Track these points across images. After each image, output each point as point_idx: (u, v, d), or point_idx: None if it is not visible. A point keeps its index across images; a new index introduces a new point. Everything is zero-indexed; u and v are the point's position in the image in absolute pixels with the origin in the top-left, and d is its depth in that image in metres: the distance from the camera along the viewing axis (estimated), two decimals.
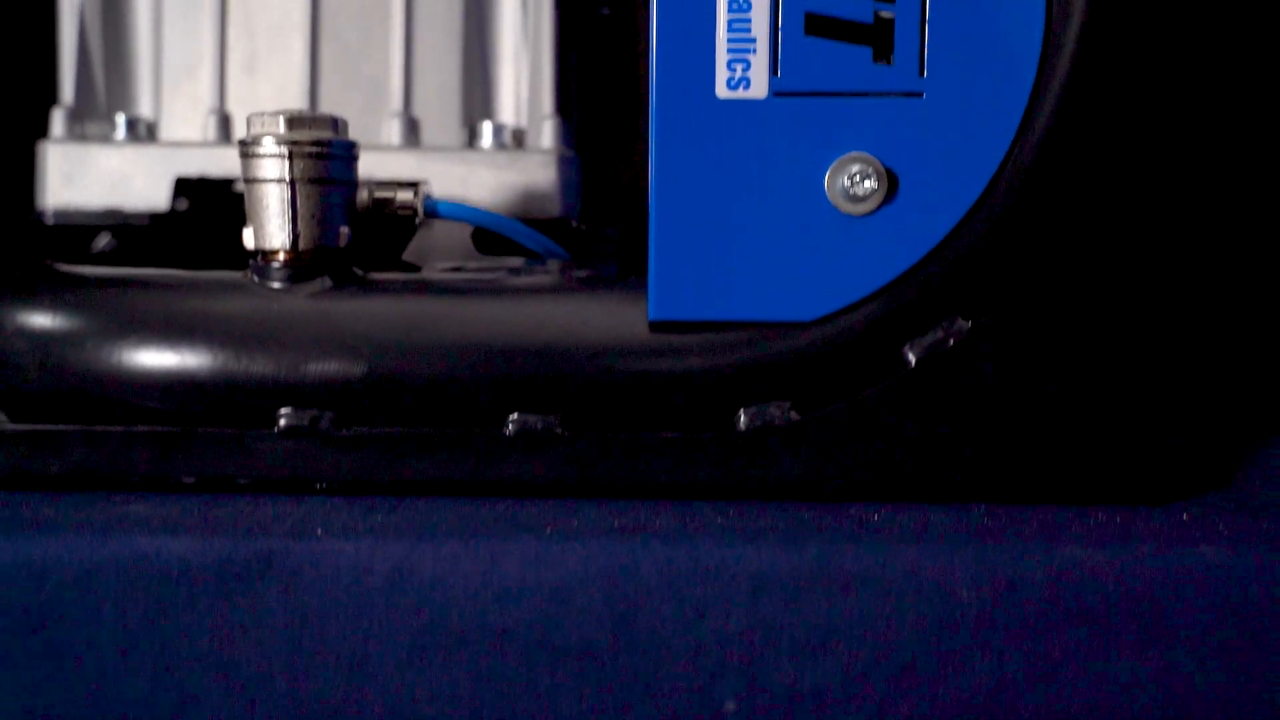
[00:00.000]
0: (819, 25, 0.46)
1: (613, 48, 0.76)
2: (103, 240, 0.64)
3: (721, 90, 0.47)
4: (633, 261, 0.58)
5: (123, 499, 0.49)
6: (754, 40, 0.47)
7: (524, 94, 0.65)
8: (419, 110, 0.64)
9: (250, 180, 0.49)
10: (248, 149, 0.49)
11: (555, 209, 0.63)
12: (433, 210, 0.53)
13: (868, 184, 0.46)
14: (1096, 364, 0.48)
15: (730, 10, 0.46)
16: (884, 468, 0.48)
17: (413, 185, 0.52)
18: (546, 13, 0.64)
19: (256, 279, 0.50)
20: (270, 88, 0.63)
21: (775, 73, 0.47)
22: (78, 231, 0.63)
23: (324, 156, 0.49)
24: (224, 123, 0.64)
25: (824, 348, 0.48)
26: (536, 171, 0.63)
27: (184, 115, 0.64)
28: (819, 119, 0.47)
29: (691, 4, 0.46)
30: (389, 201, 0.52)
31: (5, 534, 0.44)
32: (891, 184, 0.47)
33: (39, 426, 0.49)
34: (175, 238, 0.62)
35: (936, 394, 0.48)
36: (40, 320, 0.53)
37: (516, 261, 0.56)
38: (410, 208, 0.53)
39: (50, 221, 0.63)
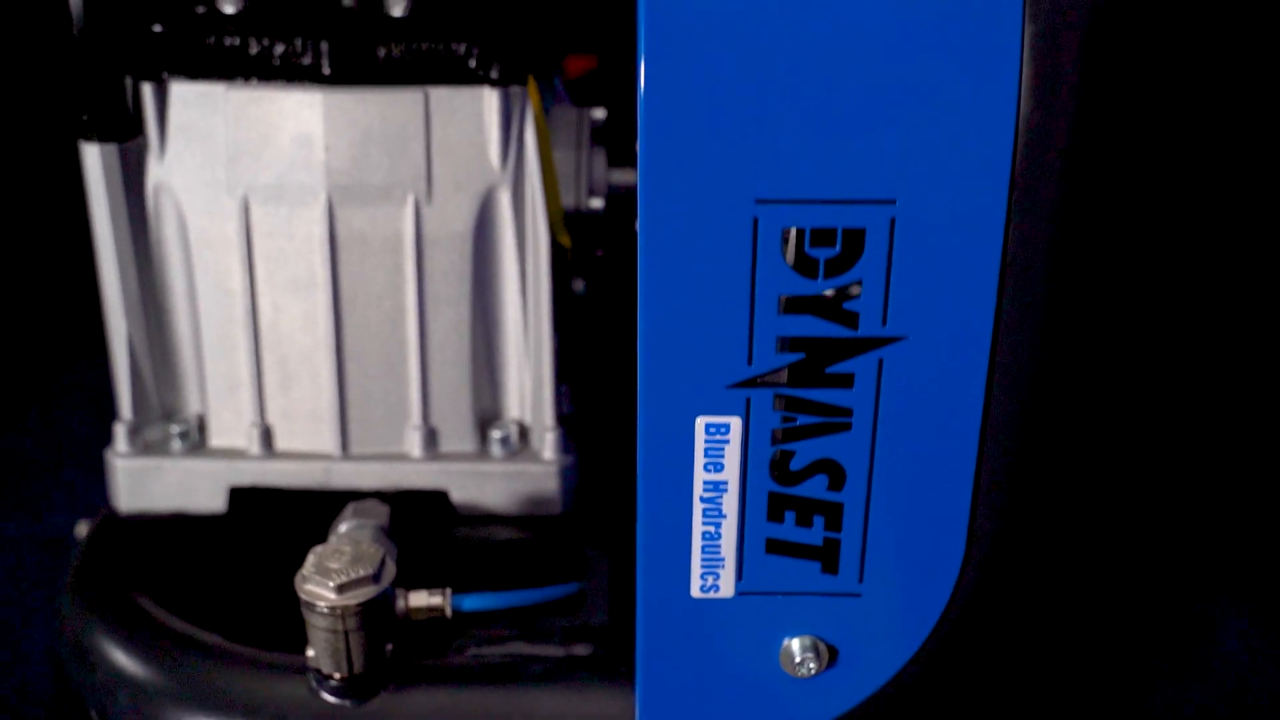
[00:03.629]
0: (777, 547, 0.55)
1: (607, 282, 0.82)
2: (82, 529, 0.74)
3: (695, 593, 0.56)
4: (623, 565, 0.68)
5: None
6: (723, 559, 0.56)
7: (528, 395, 0.73)
8: (435, 419, 0.72)
9: (309, 623, 0.59)
10: (305, 603, 0.59)
11: (556, 509, 0.73)
12: (458, 608, 0.63)
13: (812, 664, 0.57)
14: None
15: (704, 539, 0.55)
16: None
17: (440, 591, 0.63)
18: (545, 332, 0.71)
19: (319, 687, 0.61)
20: (305, 404, 0.72)
21: (739, 578, 0.56)
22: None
23: (370, 610, 0.59)
24: (266, 434, 0.72)
25: None
26: (540, 481, 0.72)
27: (231, 422, 0.73)
28: (774, 612, 0.57)
29: (671, 536, 0.55)
30: (423, 608, 0.62)
31: None
32: (833, 655, 0.58)
33: None
34: (235, 538, 0.73)
35: None
36: (133, 671, 0.65)
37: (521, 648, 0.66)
38: (440, 610, 0.63)
39: (123, 520, 0.73)
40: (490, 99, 0.67)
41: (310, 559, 0.61)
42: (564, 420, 0.75)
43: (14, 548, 0.92)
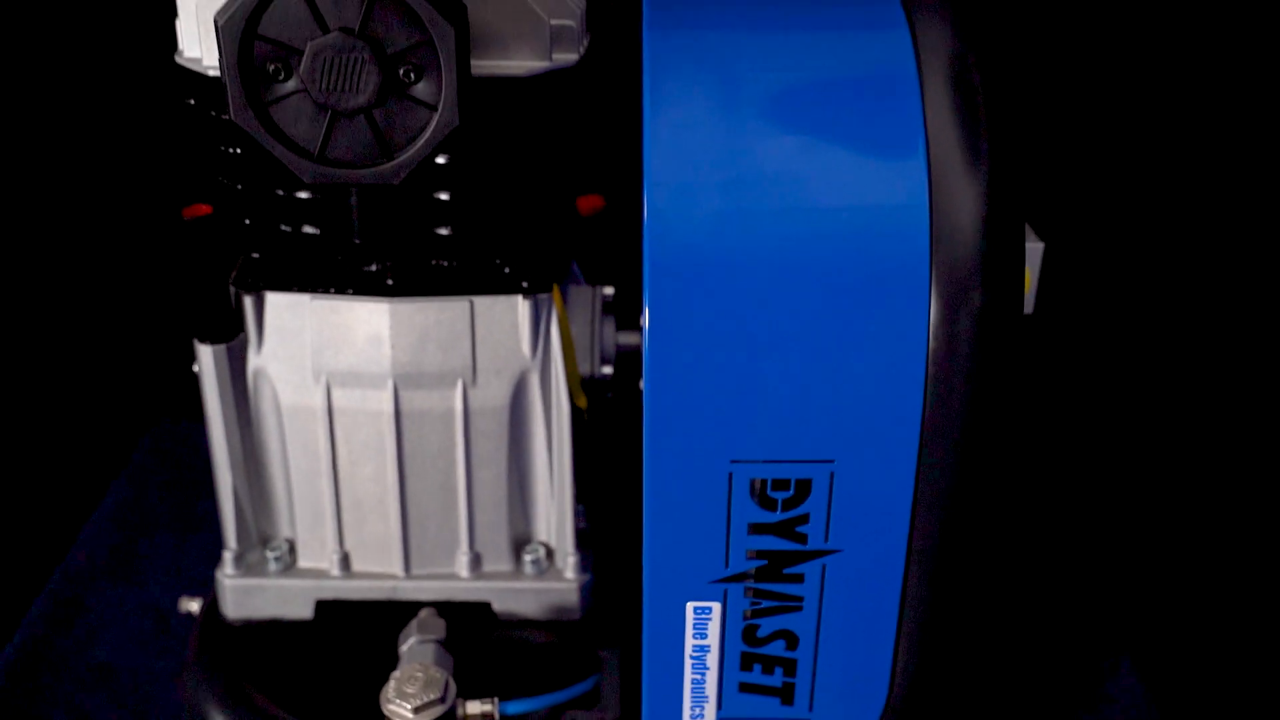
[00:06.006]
0: (747, 688, 0.73)
1: (617, 422, 0.98)
2: (193, 605, 0.91)
3: (686, 719, 0.73)
4: (629, 666, 0.86)
5: None
6: (707, 697, 0.73)
7: (554, 524, 0.89)
8: (479, 546, 0.89)
9: None
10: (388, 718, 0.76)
11: (576, 616, 0.90)
12: (504, 713, 0.80)
13: None
14: None
15: (692, 684, 0.73)
16: None
17: (490, 700, 0.80)
18: (567, 477, 0.88)
19: None
20: (376, 535, 0.89)
21: (719, 709, 0.74)
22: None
23: None
24: (345, 559, 0.89)
25: None
26: (564, 595, 0.89)
27: (316, 548, 0.90)
28: None
29: (667, 682, 0.72)
30: (477, 715, 0.79)
31: None
32: None
33: None
34: (321, 642, 0.89)
35: None
36: None
37: None
38: (490, 716, 0.80)
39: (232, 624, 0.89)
40: (523, 307, 0.83)
41: (391, 683, 0.78)
42: (580, 535, 0.91)
43: (122, 614, 1.10)
